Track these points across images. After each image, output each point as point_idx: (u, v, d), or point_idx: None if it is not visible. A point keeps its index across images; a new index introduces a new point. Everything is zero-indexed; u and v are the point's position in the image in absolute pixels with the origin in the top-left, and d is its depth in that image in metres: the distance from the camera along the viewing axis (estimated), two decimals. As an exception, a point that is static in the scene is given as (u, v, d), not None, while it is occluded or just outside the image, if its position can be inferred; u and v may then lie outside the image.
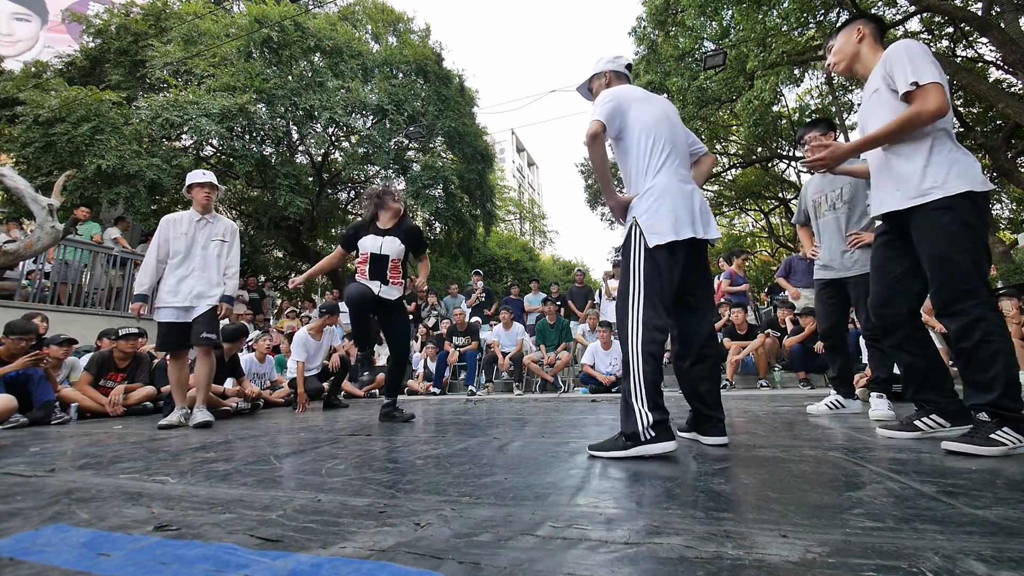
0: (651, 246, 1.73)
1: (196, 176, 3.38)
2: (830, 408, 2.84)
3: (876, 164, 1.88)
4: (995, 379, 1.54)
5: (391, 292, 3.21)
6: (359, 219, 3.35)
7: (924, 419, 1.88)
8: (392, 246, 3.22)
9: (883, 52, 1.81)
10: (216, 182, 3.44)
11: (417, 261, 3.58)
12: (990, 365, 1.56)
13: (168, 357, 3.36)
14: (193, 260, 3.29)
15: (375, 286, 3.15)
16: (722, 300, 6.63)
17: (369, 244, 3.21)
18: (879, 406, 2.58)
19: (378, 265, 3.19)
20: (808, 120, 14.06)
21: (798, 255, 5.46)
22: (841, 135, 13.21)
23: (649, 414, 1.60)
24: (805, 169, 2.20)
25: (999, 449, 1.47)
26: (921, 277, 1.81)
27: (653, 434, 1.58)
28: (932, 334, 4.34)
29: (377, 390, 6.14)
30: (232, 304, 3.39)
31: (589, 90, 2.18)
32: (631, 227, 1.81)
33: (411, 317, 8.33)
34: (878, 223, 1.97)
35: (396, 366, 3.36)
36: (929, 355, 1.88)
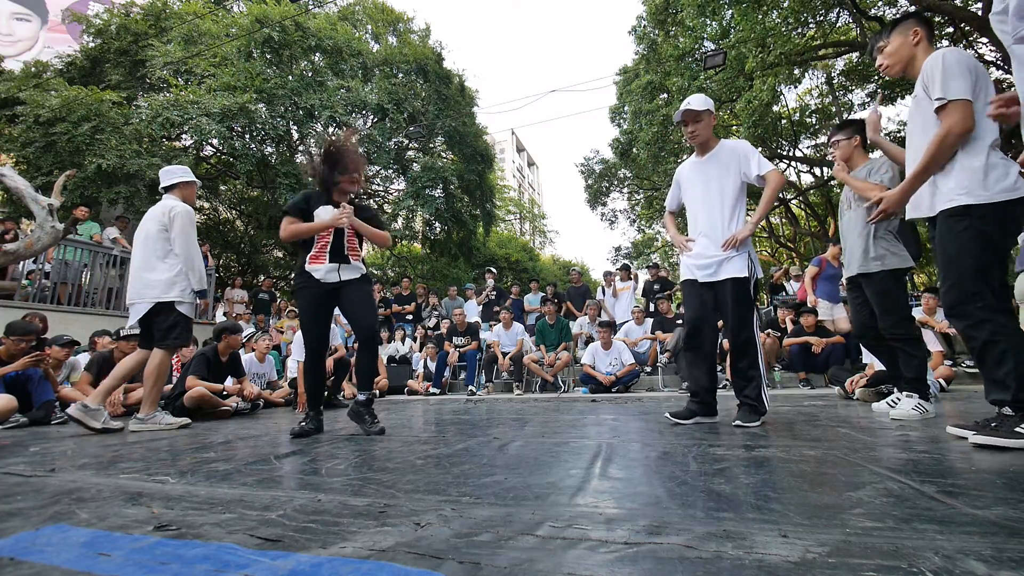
0: (758, 276, 2.44)
1: (181, 174, 3.29)
2: (919, 413, 2.41)
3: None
4: (1008, 375, 1.61)
5: (352, 271, 2.66)
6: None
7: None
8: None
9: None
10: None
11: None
12: (1001, 363, 1.63)
13: (174, 354, 3.22)
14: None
15: (333, 272, 2.60)
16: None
17: (328, 213, 2.62)
18: (905, 404, 2.42)
19: (338, 241, 2.64)
20: (810, 119, 14.05)
21: None
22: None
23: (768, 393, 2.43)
24: (873, 218, 2.11)
25: (1022, 442, 1.51)
26: None
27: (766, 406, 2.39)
28: (932, 334, 4.34)
29: (378, 391, 6.14)
30: None
31: (696, 118, 2.48)
32: (749, 259, 2.40)
33: (411, 317, 8.35)
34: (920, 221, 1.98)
35: (366, 350, 2.71)
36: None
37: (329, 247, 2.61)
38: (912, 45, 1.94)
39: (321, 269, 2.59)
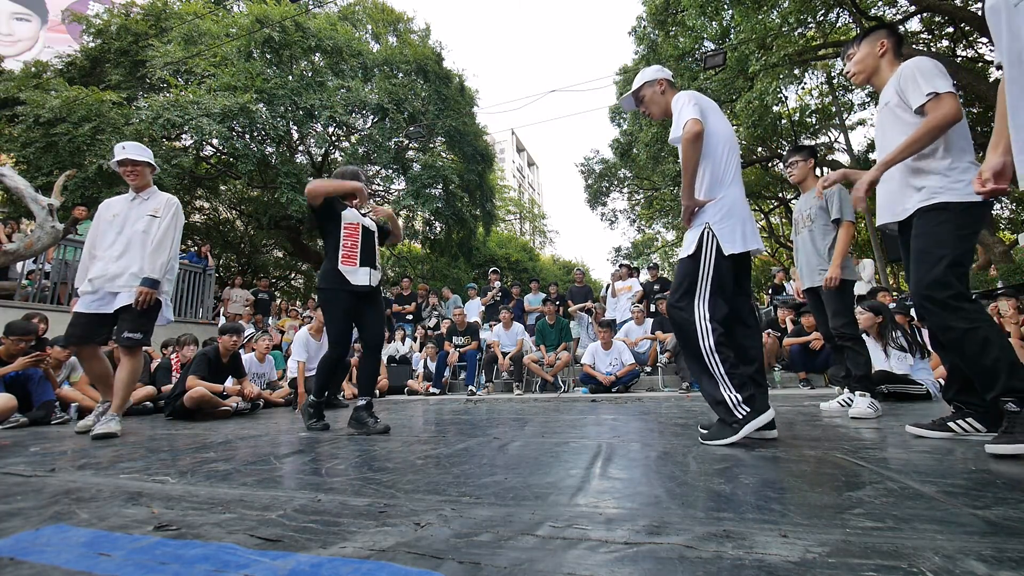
0: (725, 254, 1.90)
1: (116, 152, 2.85)
2: (841, 406, 2.97)
3: (887, 175, 1.91)
4: (997, 362, 1.56)
5: (377, 276, 2.71)
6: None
7: (960, 421, 1.86)
8: (372, 224, 2.82)
9: (898, 66, 1.88)
10: (137, 157, 2.83)
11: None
12: (985, 350, 1.58)
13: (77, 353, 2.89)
14: (119, 242, 2.79)
15: (365, 275, 2.62)
16: None
17: (355, 215, 2.68)
18: (860, 404, 2.65)
19: (368, 244, 2.68)
20: (806, 124, 14.06)
21: None
22: (841, 134, 13.21)
23: (737, 394, 1.79)
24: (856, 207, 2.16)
25: None
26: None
27: (748, 409, 1.77)
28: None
29: (378, 392, 6.14)
30: (154, 288, 2.70)
31: (639, 99, 2.20)
32: (703, 232, 1.93)
33: (411, 317, 8.35)
34: (891, 227, 1.97)
35: (371, 355, 2.74)
36: None
37: (360, 248, 2.63)
38: (878, 56, 1.99)
39: (356, 272, 2.61)
